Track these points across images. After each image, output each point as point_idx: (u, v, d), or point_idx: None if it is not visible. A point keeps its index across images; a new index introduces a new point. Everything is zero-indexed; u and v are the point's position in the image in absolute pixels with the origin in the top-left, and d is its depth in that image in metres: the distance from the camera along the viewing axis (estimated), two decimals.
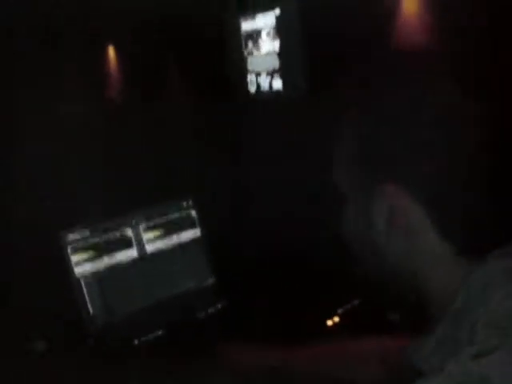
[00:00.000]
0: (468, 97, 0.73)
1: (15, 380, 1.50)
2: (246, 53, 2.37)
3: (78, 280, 1.80)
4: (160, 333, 1.77)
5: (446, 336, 0.72)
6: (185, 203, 1.97)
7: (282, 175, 2.04)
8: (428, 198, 0.73)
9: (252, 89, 2.34)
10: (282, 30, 2.22)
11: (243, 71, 2.35)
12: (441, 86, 0.74)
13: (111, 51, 2.13)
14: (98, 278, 1.82)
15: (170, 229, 1.94)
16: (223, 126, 2.19)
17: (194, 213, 1.97)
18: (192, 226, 1.97)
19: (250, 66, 2.36)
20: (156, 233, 1.92)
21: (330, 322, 1.70)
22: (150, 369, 1.56)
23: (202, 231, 1.98)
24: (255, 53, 2.33)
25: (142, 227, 1.90)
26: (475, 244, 0.74)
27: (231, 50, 2.39)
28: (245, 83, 2.36)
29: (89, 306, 1.80)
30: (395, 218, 0.74)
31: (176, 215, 1.95)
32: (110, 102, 2.10)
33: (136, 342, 1.74)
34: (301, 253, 1.80)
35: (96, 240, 1.83)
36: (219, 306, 1.86)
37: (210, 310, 1.85)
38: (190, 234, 1.97)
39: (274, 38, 2.26)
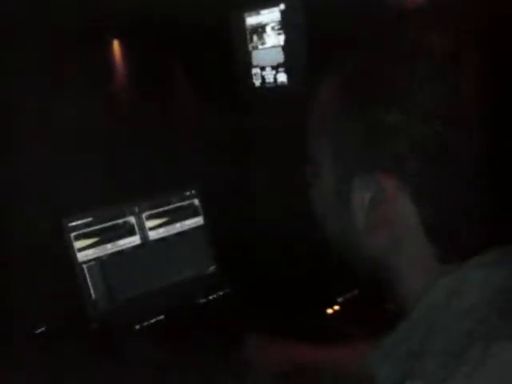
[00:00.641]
0: (462, 87, 0.64)
1: (18, 364, 1.52)
2: (250, 47, 2.38)
3: (80, 266, 1.82)
4: (161, 318, 1.78)
5: (395, 346, 0.66)
6: (188, 192, 1.98)
7: (286, 166, 2.05)
8: (415, 192, 0.65)
9: (257, 82, 2.35)
10: (286, 24, 2.22)
11: (248, 65, 2.36)
12: (436, 75, 0.64)
13: (115, 47, 2.15)
14: (100, 264, 1.84)
15: (172, 217, 1.96)
16: (227, 118, 2.20)
17: (197, 201, 1.99)
18: (195, 214, 1.99)
19: (254, 61, 2.37)
20: (159, 221, 1.93)
21: (330, 311, 1.71)
22: (150, 354, 1.57)
23: (204, 220, 2.00)
24: (260, 47, 2.34)
25: (144, 215, 1.91)
26: (460, 250, 0.66)
27: (236, 45, 2.40)
28: (250, 77, 2.37)
29: (91, 291, 1.82)
30: (377, 208, 0.67)
31: (179, 204, 1.97)
32: (115, 93, 2.11)
33: (137, 327, 1.76)
34: (302, 242, 1.80)
35: (99, 227, 1.85)
36: (221, 293, 1.88)
37: (212, 298, 1.86)
38: (192, 223, 1.98)
39: (278, 33, 2.26)
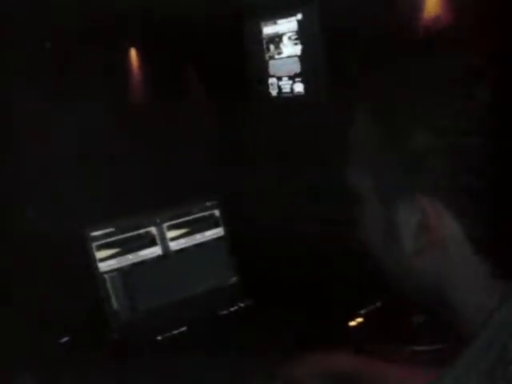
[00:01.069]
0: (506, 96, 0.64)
1: (40, 372, 1.52)
2: (267, 57, 2.38)
3: (102, 276, 1.82)
4: (183, 330, 1.78)
5: (468, 374, 0.61)
6: (209, 203, 1.99)
7: (306, 176, 2.05)
8: (462, 209, 0.65)
9: (273, 92, 2.35)
10: (303, 34, 2.23)
11: (265, 75, 2.37)
12: (474, 88, 0.63)
13: (132, 53, 2.17)
14: (122, 274, 1.84)
15: (193, 228, 1.96)
16: (245, 128, 2.21)
17: (217, 212, 1.99)
18: (216, 225, 1.99)
19: (271, 70, 2.38)
20: (180, 231, 1.94)
21: (352, 323, 1.71)
22: (172, 364, 1.57)
23: (225, 231, 2.00)
24: (277, 57, 2.34)
25: (166, 226, 1.92)
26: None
27: (253, 54, 2.40)
28: (266, 87, 2.38)
29: (113, 301, 1.82)
30: (425, 232, 0.67)
31: (200, 214, 1.97)
32: (133, 102, 2.12)
33: (159, 338, 1.76)
34: (325, 253, 1.81)
35: (121, 237, 1.85)
36: (242, 304, 1.88)
37: (233, 309, 1.86)
38: (213, 234, 1.99)
39: (295, 42, 2.27)
